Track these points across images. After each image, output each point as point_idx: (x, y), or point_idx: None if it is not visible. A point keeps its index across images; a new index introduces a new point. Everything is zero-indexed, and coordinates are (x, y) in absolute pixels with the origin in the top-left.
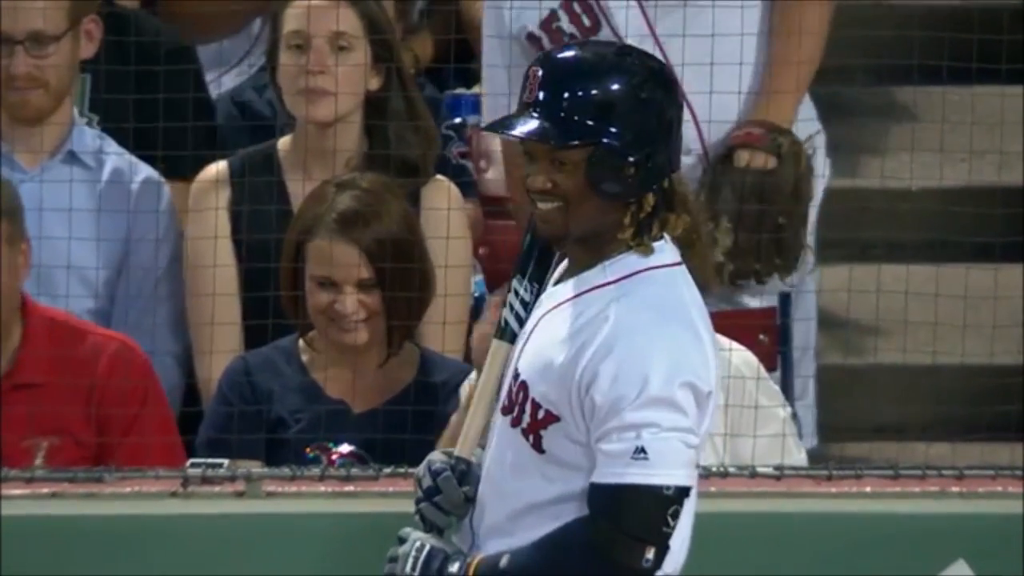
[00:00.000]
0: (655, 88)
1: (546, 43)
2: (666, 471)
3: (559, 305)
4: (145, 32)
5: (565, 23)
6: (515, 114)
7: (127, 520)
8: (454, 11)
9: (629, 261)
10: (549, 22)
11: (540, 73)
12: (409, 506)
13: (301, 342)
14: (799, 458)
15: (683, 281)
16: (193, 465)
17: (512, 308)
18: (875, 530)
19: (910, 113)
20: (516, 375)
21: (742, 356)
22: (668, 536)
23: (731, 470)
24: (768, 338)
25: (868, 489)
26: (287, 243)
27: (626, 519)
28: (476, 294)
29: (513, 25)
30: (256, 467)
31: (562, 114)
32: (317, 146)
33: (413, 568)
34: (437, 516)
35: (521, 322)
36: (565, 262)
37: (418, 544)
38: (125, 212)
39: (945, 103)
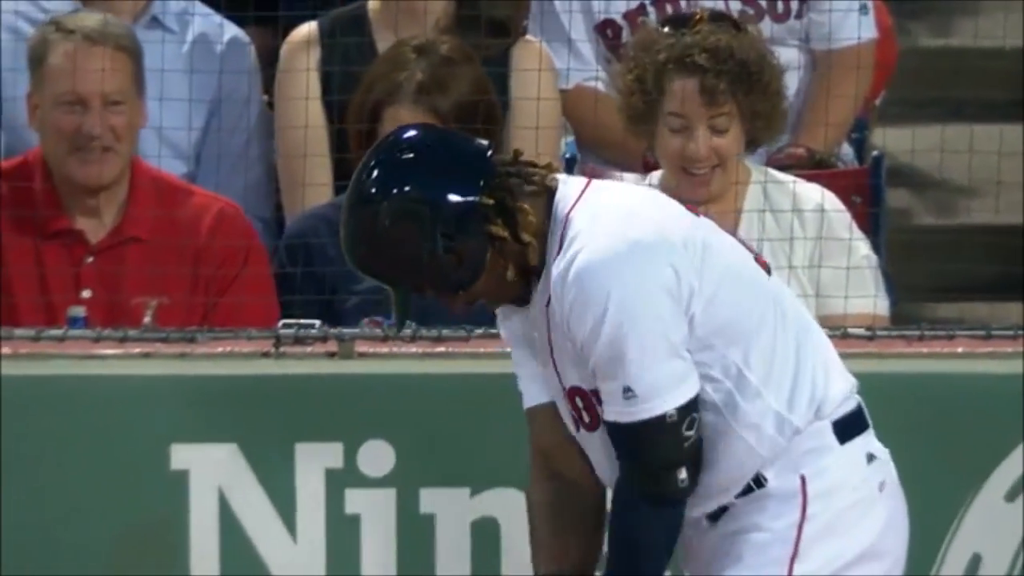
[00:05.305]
0: (397, 220)
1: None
2: (658, 401)
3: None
4: None
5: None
6: None
7: (219, 380)
8: None
9: (552, 240)
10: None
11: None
12: (499, 366)
13: None
14: (882, 300)
15: (597, 189)
16: (285, 326)
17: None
18: (966, 391)
19: None
20: (565, 390)
21: (819, 191)
22: (693, 446)
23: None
24: (861, 199)
25: (960, 350)
26: (360, 104)
27: (643, 455)
28: (567, 155)
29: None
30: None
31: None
32: (407, 6)
33: None
34: None
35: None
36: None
37: None
38: (213, 73)
39: None
